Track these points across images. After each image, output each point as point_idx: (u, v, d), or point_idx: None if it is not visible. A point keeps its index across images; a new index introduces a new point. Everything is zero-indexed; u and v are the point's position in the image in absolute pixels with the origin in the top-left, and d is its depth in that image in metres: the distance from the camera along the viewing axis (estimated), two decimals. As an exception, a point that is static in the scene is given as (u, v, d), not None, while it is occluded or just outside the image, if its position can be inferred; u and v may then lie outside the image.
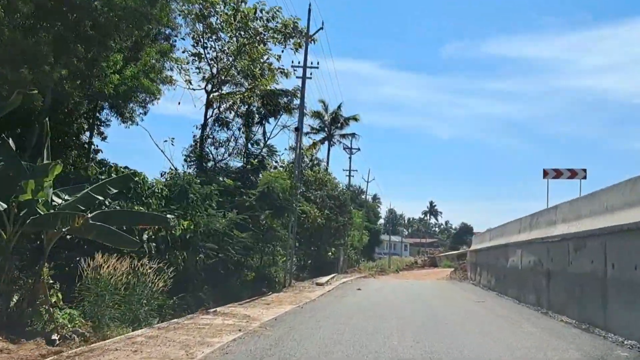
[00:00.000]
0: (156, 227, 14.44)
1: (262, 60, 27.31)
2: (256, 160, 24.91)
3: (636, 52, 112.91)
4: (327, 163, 43.30)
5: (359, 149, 47.41)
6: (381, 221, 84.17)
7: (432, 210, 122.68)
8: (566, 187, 20.40)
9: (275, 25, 26.48)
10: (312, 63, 22.97)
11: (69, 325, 9.41)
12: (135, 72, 21.33)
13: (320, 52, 73.24)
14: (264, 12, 25.49)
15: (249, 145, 27.71)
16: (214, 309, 11.72)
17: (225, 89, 28.02)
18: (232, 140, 26.73)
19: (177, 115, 71.48)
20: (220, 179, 22.21)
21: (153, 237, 14.62)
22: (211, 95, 26.99)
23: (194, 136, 26.77)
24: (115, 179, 11.10)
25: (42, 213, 9.20)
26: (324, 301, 15.41)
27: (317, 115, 44.52)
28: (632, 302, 8.80)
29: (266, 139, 27.81)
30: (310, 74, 22.78)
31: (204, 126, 26.53)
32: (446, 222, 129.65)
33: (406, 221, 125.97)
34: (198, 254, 15.75)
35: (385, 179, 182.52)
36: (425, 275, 39.34)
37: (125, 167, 14.82)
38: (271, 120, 28.70)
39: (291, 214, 20.65)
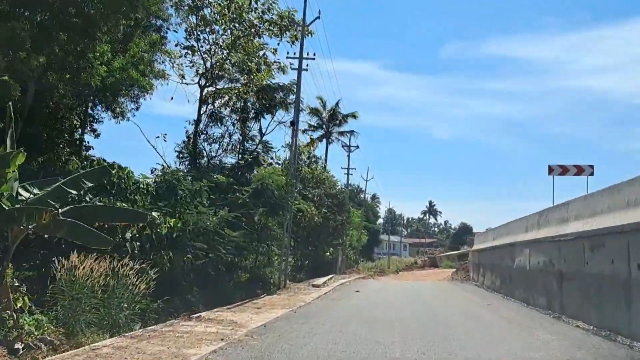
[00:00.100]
0: (140, 225, 13.55)
1: (258, 54, 26.44)
2: (251, 156, 23.93)
3: (636, 52, 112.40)
4: (325, 161, 42.34)
5: (357, 147, 46.43)
6: (380, 221, 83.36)
7: (432, 210, 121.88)
8: (568, 185, 19.55)
9: (271, 17, 25.60)
10: (308, 54, 21.89)
11: (36, 333, 8.52)
12: (123, 63, 20.39)
13: (319, 48, 72.39)
14: (259, 3, 24.55)
15: (244, 142, 26.80)
16: (198, 314, 10.76)
17: (220, 85, 27.18)
18: (226, 136, 25.83)
19: (172, 115, 70.51)
20: (215, 176, 21.25)
21: (137, 235, 13.71)
22: (205, 90, 26.09)
23: (187, 132, 25.86)
24: (90, 171, 10.16)
25: (6, 208, 8.28)
26: (319, 305, 14.43)
27: (315, 112, 43.46)
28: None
29: (262, 134, 26.92)
30: (307, 65, 21.84)
31: (197, 122, 25.60)
32: (445, 222, 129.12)
33: (405, 221, 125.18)
34: (186, 254, 14.82)
35: (384, 179, 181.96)
36: (426, 276, 38.41)
37: (113, 163, 13.86)
38: (267, 116, 27.90)
39: (286, 212, 19.68)
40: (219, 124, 25.58)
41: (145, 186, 14.04)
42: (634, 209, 9.31)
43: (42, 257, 11.75)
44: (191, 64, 26.28)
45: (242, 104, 27.13)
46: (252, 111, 26.57)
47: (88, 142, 24.49)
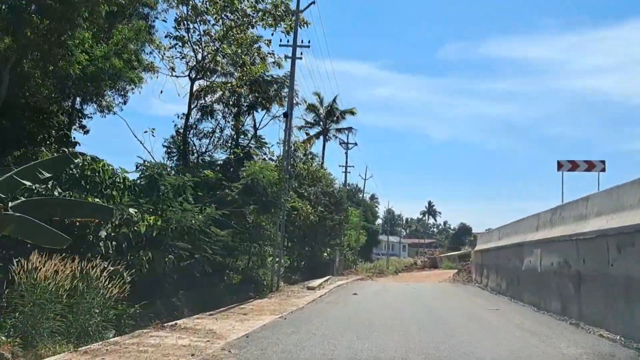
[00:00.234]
0: (116, 222, 12.37)
1: (252, 47, 25.27)
2: (242, 151, 22.68)
3: (635, 52, 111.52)
4: (323, 158, 40.99)
5: (355, 144, 45.08)
6: (379, 221, 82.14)
7: (431, 211, 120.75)
8: (569, 185, 18.32)
9: (265, 7, 24.46)
10: (302, 42, 20.69)
11: (-16, 345, 7.36)
12: (106, 51, 19.19)
13: (315, 39, 70.89)
14: (252, -10, 23.37)
15: (238, 137, 25.61)
16: (174, 322, 9.53)
17: (213, 79, 25.99)
18: (217, 130, 24.63)
19: (165, 116, 69.35)
20: (203, 171, 20.02)
21: (113, 234, 12.51)
22: (197, 85, 24.92)
23: (176, 126, 24.66)
24: (48, 160, 8.95)
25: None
26: (312, 310, 13.16)
27: (311, 108, 42.15)
28: None
29: (256, 129, 25.74)
30: (301, 53, 20.56)
31: (187, 115, 24.39)
32: (444, 223, 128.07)
33: (404, 221, 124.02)
34: (167, 254, 13.61)
35: (383, 179, 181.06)
36: (426, 277, 37.16)
37: (76, 152, 12.65)
38: (262, 112, 26.74)
39: (279, 210, 18.46)
40: (209, 117, 24.37)
41: (121, 180, 12.79)
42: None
43: (3, 259, 10.57)
44: (181, 56, 25.21)
45: (235, 98, 25.96)
46: (245, 104, 25.33)
47: (74, 138, 23.39)
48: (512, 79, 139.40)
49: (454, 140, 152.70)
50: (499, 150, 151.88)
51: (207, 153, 24.00)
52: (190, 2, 23.84)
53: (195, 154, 23.95)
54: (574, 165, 18.88)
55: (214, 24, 24.69)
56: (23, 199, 8.05)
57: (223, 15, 24.40)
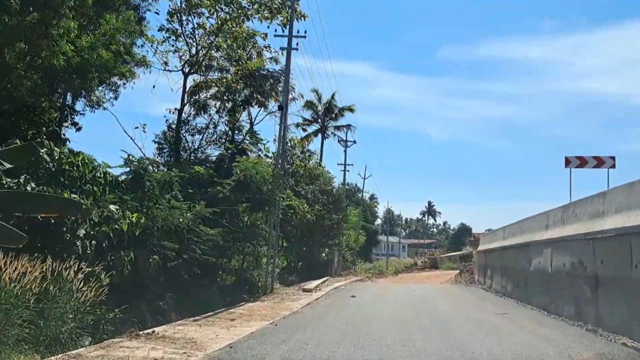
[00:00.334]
0: (95, 219, 11.46)
1: (248, 41, 24.41)
2: (237, 147, 21.77)
3: (633, 53, 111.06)
4: (321, 156, 40.01)
5: (354, 142, 44.15)
6: (379, 221, 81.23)
7: (430, 211, 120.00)
8: (573, 185, 17.44)
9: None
10: (299, 32, 19.81)
11: None
12: (92, 42, 18.28)
13: (313, 34, 69.81)
14: (248, -18, 22.50)
15: (233, 133, 24.71)
16: (151, 330, 8.63)
17: (208, 76, 25.11)
18: (210, 126, 23.70)
19: (160, 114, 68.37)
20: (193, 167, 19.11)
21: (92, 233, 11.60)
22: (191, 80, 24.05)
23: (167, 121, 23.74)
24: (9, 149, 8.02)
25: None
26: (307, 314, 12.21)
27: (309, 105, 41.18)
28: None
29: (252, 124, 24.83)
30: (297, 44, 19.66)
31: (180, 111, 23.49)
32: (444, 223, 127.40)
33: (404, 222, 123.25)
34: (152, 255, 12.71)
35: (383, 179, 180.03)
36: (427, 278, 36.26)
37: (42, 141, 11.74)
38: (257, 107, 25.83)
39: (274, 208, 17.55)
40: (202, 113, 23.44)
41: (102, 175, 11.88)
42: None
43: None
44: (174, 50, 24.33)
45: (229, 93, 25.08)
46: (240, 99, 24.41)
47: (64, 135, 22.50)
48: (512, 79, 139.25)
49: (453, 140, 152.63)
50: (499, 150, 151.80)
51: (200, 149, 23.09)
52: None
53: (188, 151, 23.03)
54: (582, 162, 18.01)
55: (208, 17, 23.89)
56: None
57: (217, 8, 23.58)
